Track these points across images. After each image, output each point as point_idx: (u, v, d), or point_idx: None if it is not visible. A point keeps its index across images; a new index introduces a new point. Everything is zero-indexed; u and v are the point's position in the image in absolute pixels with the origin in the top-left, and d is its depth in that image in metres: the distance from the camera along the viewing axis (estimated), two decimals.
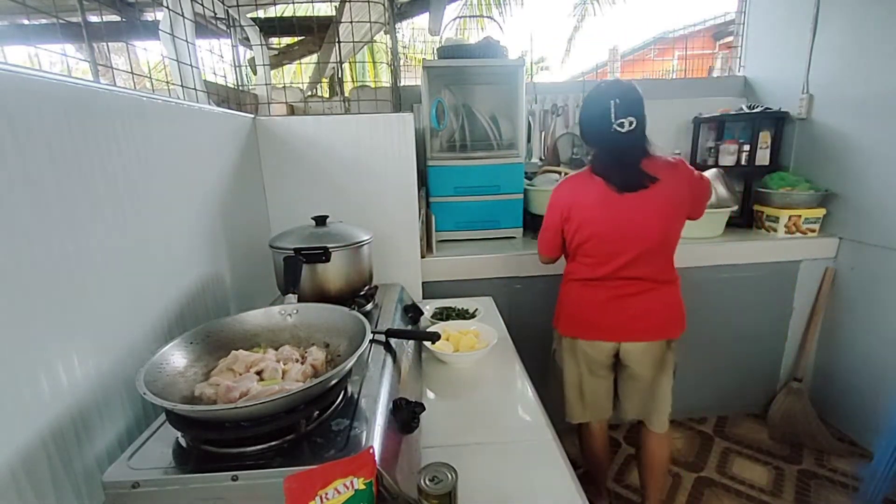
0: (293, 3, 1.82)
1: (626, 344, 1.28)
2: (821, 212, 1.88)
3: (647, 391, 1.32)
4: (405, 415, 0.74)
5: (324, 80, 2.67)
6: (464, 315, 1.36)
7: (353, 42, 2.01)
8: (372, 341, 0.92)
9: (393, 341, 0.96)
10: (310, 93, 2.39)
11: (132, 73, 1.05)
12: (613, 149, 1.19)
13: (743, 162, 2.07)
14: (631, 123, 1.14)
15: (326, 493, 0.51)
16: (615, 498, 1.65)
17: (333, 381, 0.64)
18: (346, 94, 2.03)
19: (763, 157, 2.05)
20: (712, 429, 2.01)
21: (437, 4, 2.09)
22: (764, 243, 1.87)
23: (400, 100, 2.06)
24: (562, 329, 1.36)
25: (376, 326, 1.03)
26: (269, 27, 2.04)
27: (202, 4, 1.28)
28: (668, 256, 1.26)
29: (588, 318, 1.29)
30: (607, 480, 1.53)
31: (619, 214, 1.18)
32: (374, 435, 0.62)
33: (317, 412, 0.63)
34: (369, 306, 1.15)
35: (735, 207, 1.93)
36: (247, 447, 0.57)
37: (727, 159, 2.10)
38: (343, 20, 1.94)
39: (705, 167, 2.10)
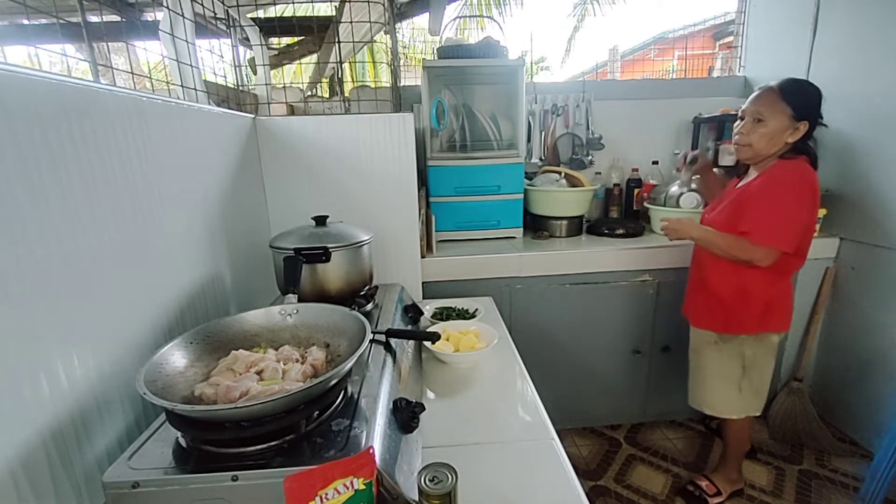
0: (293, 3, 1.82)
1: None
2: (821, 212, 1.88)
3: None
4: (405, 415, 0.74)
5: (324, 80, 2.67)
6: (464, 315, 1.35)
7: (353, 42, 2.01)
8: (372, 341, 0.92)
9: (393, 341, 0.95)
10: (310, 93, 2.39)
11: (132, 73, 1.05)
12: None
13: None
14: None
15: (326, 494, 0.51)
16: (616, 498, 1.66)
17: (333, 381, 0.64)
18: (346, 94, 2.03)
19: None
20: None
21: (437, 4, 2.08)
22: None
23: (400, 100, 2.06)
24: (782, 326, 1.38)
25: (376, 326, 1.03)
26: (269, 27, 2.04)
27: (202, 4, 1.28)
28: None
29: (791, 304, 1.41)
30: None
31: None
32: (374, 435, 0.62)
33: (317, 412, 0.63)
34: (369, 306, 1.15)
35: None
36: (247, 447, 0.57)
37: (727, 159, 2.09)
38: (343, 20, 1.94)
39: None
